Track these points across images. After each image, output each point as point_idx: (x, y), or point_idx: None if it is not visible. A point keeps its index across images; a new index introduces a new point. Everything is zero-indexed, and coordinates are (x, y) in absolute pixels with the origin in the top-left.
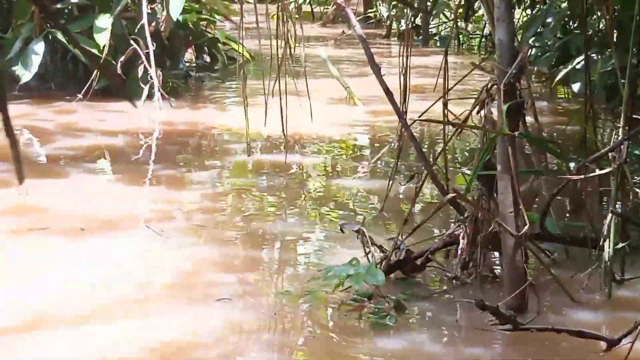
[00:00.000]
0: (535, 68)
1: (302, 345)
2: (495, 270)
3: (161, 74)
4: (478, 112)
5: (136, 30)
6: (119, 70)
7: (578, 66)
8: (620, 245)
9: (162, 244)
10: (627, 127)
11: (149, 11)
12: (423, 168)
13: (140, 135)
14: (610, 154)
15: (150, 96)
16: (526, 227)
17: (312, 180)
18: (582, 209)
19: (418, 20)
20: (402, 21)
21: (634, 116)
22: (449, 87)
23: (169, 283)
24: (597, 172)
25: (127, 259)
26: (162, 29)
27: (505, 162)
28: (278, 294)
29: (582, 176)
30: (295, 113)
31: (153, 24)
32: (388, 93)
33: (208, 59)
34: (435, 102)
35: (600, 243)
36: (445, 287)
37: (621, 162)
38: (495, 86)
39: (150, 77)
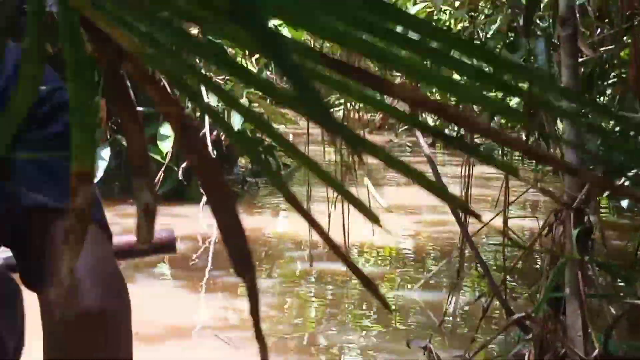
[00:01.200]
0: None
1: None
2: None
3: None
4: (546, 235)
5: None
6: (180, 176)
7: (627, 183)
8: None
9: (231, 353)
10: None
11: (211, 121)
12: (490, 287)
13: (200, 241)
14: None
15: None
16: (596, 352)
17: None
18: None
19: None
20: (447, 130)
21: None
22: (508, 203)
23: None
24: None
25: None
26: (222, 138)
27: (575, 286)
28: None
29: None
30: (351, 221)
31: (214, 132)
32: (456, 215)
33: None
34: (493, 218)
35: None
36: None
37: None
38: (564, 210)
39: None
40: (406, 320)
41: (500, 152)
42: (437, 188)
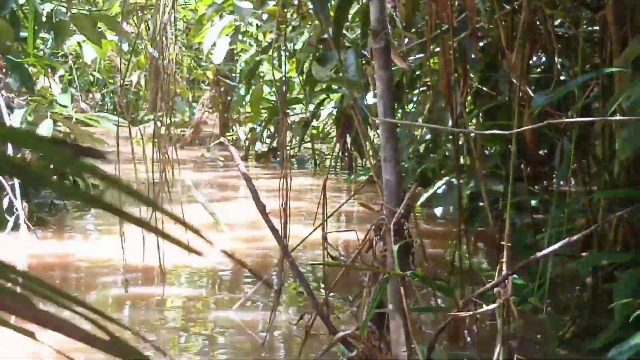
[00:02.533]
0: None
1: None
2: None
3: (27, 205)
4: (367, 250)
5: None
6: None
7: (439, 190)
8: None
9: None
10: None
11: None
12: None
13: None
14: (495, 289)
15: (15, 227)
16: None
17: (191, 314)
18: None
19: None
20: (258, 143)
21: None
22: (326, 217)
23: None
24: (485, 307)
25: None
26: (28, 160)
27: (397, 302)
28: None
29: (470, 312)
30: (162, 242)
31: (19, 155)
32: (274, 231)
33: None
34: (312, 232)
35: None
36: None
37: (507, 297)
38: (384, 225)
39: (16, 209)
40: (227, 342)
41: (313, 161)
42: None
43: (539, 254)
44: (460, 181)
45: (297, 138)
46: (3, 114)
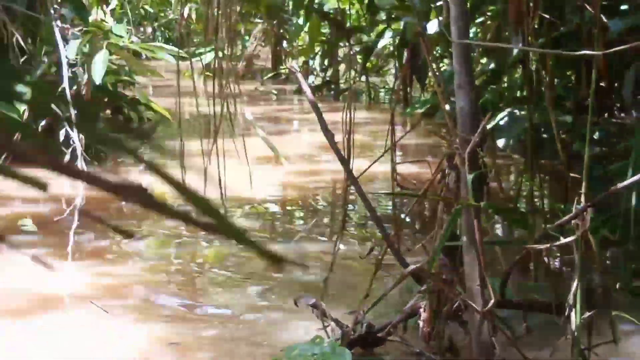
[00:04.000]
0: None
1: None
2: (458, 344)
3: (83, 137)
4: (440, 181)
5: (57, 94)
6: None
7: (502, 122)
8: (587, 314)
9: (111, 321)
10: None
11: (70, 75)
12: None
13: (66, 204)
14: (573, 222)
15: (72, 160)
16: (492, 302)
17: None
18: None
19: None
20: (312, 76)
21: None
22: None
23: None
24: (562, 240)
25: (76, 340)
26: (83, 93)
27: (471, 234)
28: None
29: (547, 245)
30: (222, 175)
31: (74, 87)
32: (341, 157)
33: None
34: (379, 158)
35: (566, 313)
36: None
37: (585, 229)
38: (458, 155)
39: (72, 142)
40: (288, 277)
41: (367, 95)
42: None
43: (620, 184)
44: (523, 112)
45: (355, 70)
46: (59, 45)
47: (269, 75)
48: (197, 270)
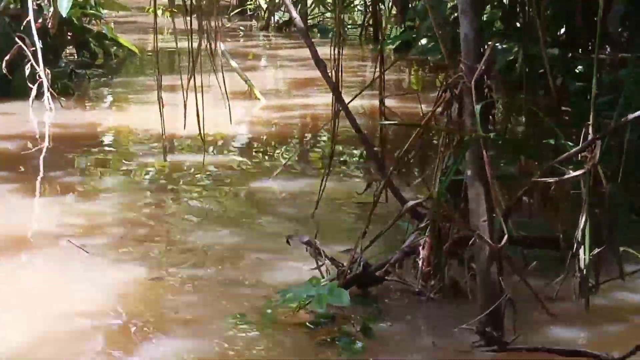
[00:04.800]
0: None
1: None
2: (460, 284)
3: (49, 72)
4: (442, 112)
5: (22, 28)
6: (4, 69)
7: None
8: (596, 250)
9: (92, 261)
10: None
11: (35, 7)
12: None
13: (34, 140)
14: (581, 155)
15: (38, 96)
16: (505, 239)
17: (232, 184)
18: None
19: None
20: (278, 13)
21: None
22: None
23: (101, 305)
24: (572, 173)
25: (53, 280)
26: (49, 26)
27: (478, 167)
28: (229, 319)
29: (556, 179)
30: (195, 111)
31: (40, 20)
32: (335, 90)
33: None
34: (356, 96)
35: (574, 249)
36: (407, 303)
37: (595, 162)
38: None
39: (39, 76)
40: (274, 214)
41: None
42: None
43: (631, 115)
44: (505, 46)
45: (323, 5)
46: None
47: (235, 11)
48: (173, 208)
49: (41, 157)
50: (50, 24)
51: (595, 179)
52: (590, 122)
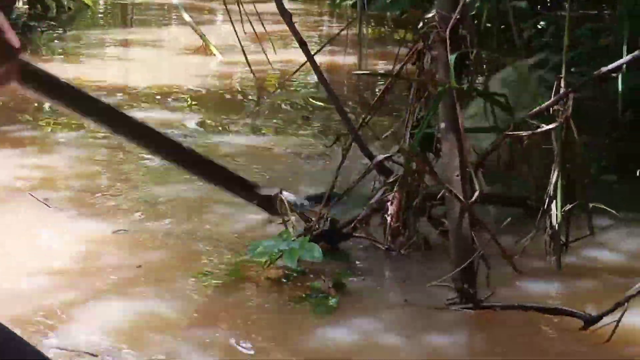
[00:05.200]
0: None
1: (244, 332)
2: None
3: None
4: (414, 63)
5: None
6: None
7: None
8: (568, 207)
9: (55, 215)
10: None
11: None
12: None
13: None
14: (553, 108)
15: None
16: (477, 194)
17: (191, 138)
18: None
19: None
20: None
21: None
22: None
23: (68, 267)
24: (544, 127)
25: (16, 235)
26: None
27: (451, 120)
28: (197, 275)
29: (529, 132)
30: (151, 65)
31: None
32: (303, 45)
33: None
34: (318, 51)
35: (545, 206)
36: (377, 259)
37: (567, 115)
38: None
39: None
40: (237, 168)
41: None
42: None
43: (604, 68)
44: None
45: None
46: None
47: None
48: (130, 161)
49: None
50: None
51: (567, 133)
52: (562, 76)
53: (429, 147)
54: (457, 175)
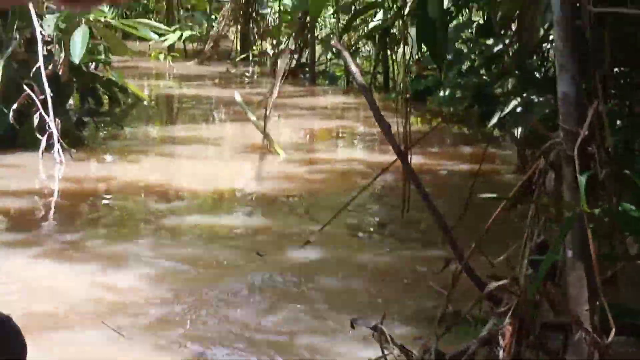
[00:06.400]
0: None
1: None
2: None
3: (59, 121)
4: (535, 183)
5: (30, 75)
6: (11, 119)
7: (518, 109)
8: None
9: (126, 345)
10: None
11: (45, 53)
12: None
13: (46, 196)
14: None
15: (48, 147)
16: (612, 333)
17: (264, 250)
18: None
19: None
20: (281, 59)
21: None
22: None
23: None
24: None
25: None
26: (60, 73)
27: (580, 247)
28: None
29: None
30: (213, 165)
31: (50, 67)
32: (400, 154)
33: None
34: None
35: None
36: None
37: None
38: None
39: (48, 126)
40: (330, 294)
41: (345, 78)
42: None
43: None
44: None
45: (332, 53)
46: (33, 20)
47: (241, 56)
48: (208, 277)
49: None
50: (60, 70)
51: None
52: None
53: (548, 275)
54: (587, 310)
